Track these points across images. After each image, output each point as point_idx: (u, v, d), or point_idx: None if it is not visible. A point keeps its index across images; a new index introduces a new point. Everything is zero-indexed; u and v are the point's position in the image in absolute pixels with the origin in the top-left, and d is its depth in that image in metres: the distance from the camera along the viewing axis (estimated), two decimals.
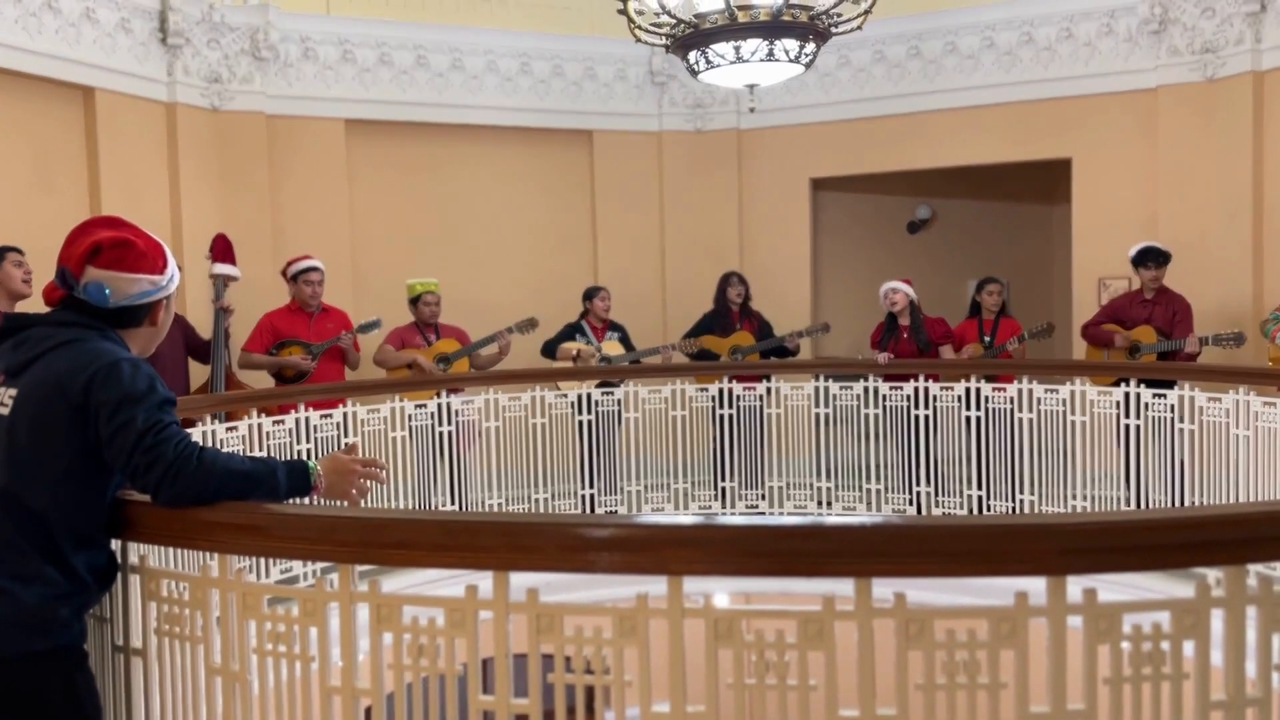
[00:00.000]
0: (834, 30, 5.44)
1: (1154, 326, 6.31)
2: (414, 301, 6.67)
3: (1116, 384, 5.92)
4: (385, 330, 6.63)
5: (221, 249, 6.08)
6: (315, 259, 6.32)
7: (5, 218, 5.84)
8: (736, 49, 5.31)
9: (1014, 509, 6.12)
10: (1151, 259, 6.38)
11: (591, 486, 6.63)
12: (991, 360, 6.55)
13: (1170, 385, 5.69)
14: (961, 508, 6.30)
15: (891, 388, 6.49)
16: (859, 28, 5.48)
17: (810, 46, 5.42)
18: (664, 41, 5.54)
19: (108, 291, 2.16)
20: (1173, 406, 5.60)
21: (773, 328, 7.22)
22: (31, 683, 2.06)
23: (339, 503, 2.27)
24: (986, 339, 6.70)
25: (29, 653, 2.05)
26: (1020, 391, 6.10)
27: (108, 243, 2.18)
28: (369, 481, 2.30)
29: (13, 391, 2.13)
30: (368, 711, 2.00)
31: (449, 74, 7.92)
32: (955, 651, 1.77)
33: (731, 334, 7.11)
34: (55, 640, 2.08)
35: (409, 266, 7.62)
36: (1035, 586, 1.74)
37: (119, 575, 2.26)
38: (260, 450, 5.26)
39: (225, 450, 2.64)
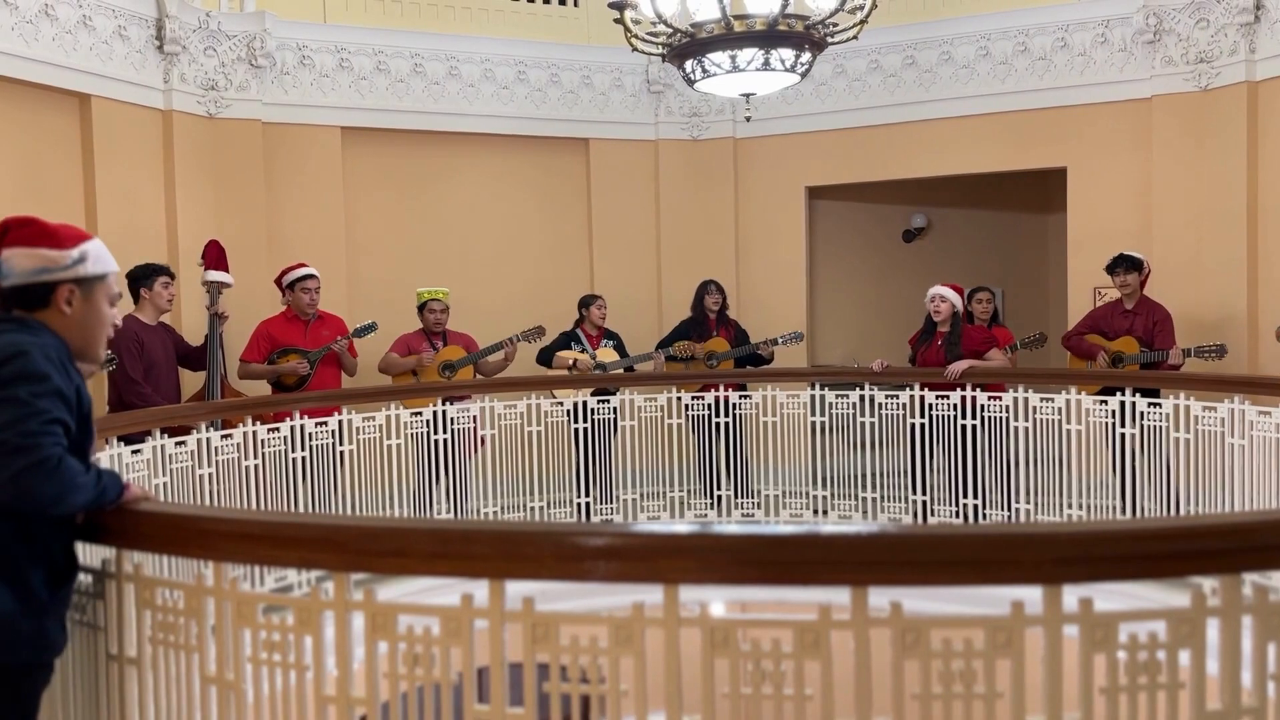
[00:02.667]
0: (830, 40, 5.45)
1: (1135, 337, 6.28)
2: (420, 309, 6.76)
3: (1102, 393, 5.90)
4: (391, 337, 6.66)
5: (214, 256, 6.08)
6: (311, 267, 6.35)
7: None
8: (732, 58, 5.32)
9: (1010, 517, 6.13)
10: (1121, 265, 6.32)
11: (587, 495, 6.64)
12: (984, 369, 6.50)
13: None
14: (957, 516, 6.30)
15: (887, 396, 6.49)
16: (855, 37, 5.49)
17: (806, 56, 5.43)
18: (660, 51, 5.55)
19: (3, 269, 2.15)
20: (1168, 416, 5.60)
21: (749, 335, 7.24)
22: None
23: (335, 511, 2.27)
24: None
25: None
26: (1016, 400, 6.10)
27: (15, 223, 2.19)
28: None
29: None
30: None
31: (445, 82, 7.92)
32: (951, 661, 1.77)
33: (707, 340, 7.13)
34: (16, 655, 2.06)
35: (404, 274, 7.63)
36: (1031, 595, 1.75)
37: (114, 584, 2.24)
38: (255, 459, 5.26)
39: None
